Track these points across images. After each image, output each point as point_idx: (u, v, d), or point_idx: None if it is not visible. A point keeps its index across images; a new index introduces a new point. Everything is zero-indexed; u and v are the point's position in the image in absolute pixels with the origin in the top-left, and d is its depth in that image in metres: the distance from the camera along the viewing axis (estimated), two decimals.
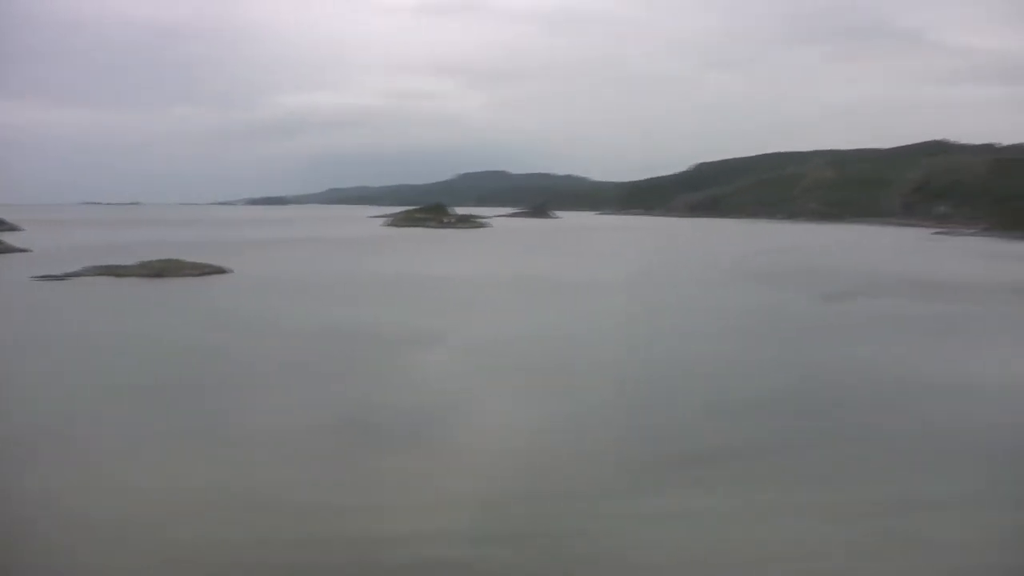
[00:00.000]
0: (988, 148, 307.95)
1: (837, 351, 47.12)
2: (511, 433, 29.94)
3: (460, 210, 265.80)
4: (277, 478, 24.85)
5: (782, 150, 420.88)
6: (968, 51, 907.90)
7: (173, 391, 35.76)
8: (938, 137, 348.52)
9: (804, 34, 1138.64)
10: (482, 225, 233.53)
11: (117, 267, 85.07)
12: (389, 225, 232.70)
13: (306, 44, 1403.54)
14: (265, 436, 29.24)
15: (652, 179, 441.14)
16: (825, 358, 44.98)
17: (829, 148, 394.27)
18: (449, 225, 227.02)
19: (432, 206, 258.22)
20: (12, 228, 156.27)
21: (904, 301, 71.86)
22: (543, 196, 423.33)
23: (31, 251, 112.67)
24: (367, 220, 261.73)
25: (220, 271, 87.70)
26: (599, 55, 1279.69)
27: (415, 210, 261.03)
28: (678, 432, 30.15)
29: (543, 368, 41.17)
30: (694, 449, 28.04)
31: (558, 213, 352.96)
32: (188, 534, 20.92)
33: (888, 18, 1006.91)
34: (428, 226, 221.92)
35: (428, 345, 46.76)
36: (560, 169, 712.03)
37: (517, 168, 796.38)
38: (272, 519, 21.77)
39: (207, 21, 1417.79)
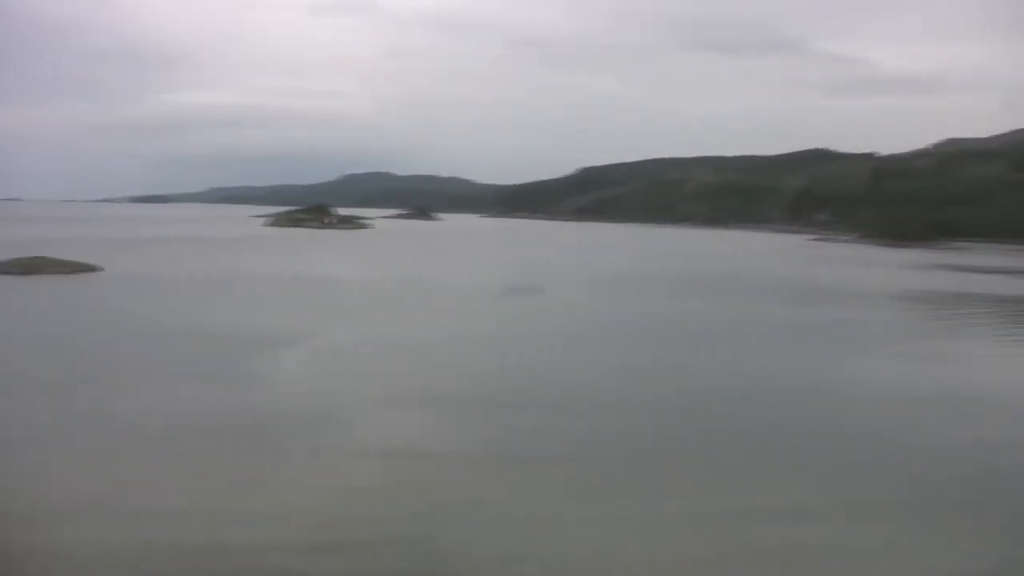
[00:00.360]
0: (868, 157, 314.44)
1: (696, 356, 47.00)
2: (370, 437, 28.97)
3: (343, 211, 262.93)
4: (116, 482, 23.57)
5: (668, 155, 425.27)
6: (851, 61, 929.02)
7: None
8: (821, 146, 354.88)
9: (692, 41, 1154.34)
10: (363, 226, 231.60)
11: None
12: (270, 225, 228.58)
13: (195, 42, 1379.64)
14: (104, 439, 27.76)
15: (537, 182, 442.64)
16: (685, 361, 44.84)
17: (715, 154, 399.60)
18: (330, 226, 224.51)
19: (314, 207, 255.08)
20: None
21: (771, 306, 73.55)
22: (427, 198, 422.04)
23: None
24: (248, 220, 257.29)
25: (90, 269, 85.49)
26: (487, 58, 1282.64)
27: (296, 210, 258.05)
28: (525, 434, 29.56)
29: (404, 372, 40.16)
30: (538, 451, 27.55)
31: (441, 215, 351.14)
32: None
33: (774, 27, 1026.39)
34: (309, 227, 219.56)
35: (290, 346, 45.37)
36: (446, 171, 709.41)
37: (402, 170, 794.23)
38: (105, 524, 20.63)
39: (95, 16, 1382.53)
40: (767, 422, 31.88)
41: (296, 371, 39.41)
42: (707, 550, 20.21)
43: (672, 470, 26.01)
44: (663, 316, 65.03)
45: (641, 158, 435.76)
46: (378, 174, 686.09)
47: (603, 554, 19.69)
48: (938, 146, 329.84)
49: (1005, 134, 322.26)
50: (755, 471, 26.09)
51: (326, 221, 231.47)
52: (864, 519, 22.24)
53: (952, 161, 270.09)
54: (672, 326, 59.90)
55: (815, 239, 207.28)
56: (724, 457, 27.45)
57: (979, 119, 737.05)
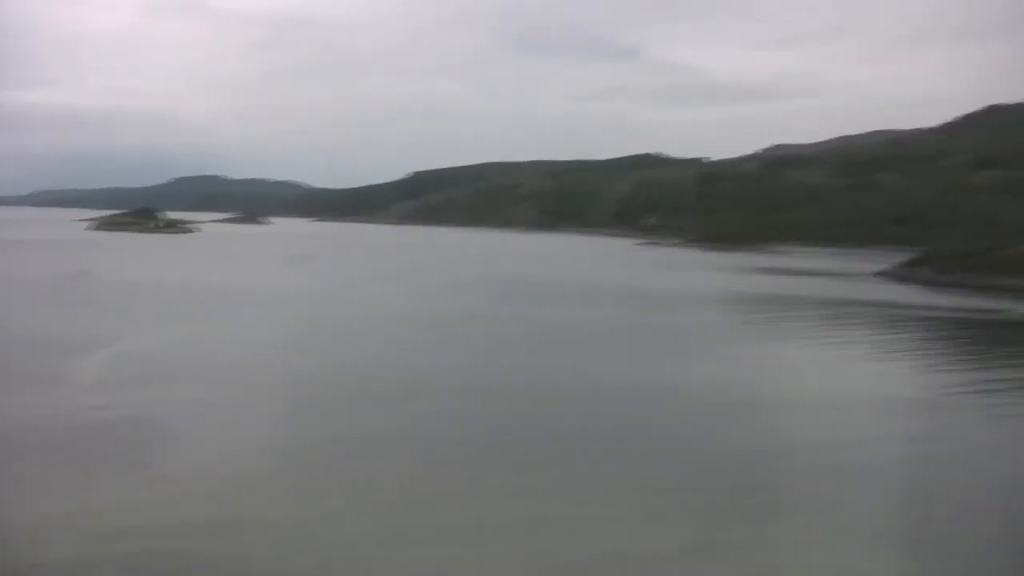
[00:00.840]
0: (696, 163, 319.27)
1: (503, 359, 45.87)
2: (163, 442, 27.30)
3: (173, 215, 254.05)
4: None
5: (500, 160, 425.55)
6: (686, 69, 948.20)
7: None
8: (651, 151, 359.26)
9: (528, 46, 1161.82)
10: (190, 231, 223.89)
11: None
12: (93, 229, 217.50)
13: (23, 40, 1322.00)
14: None
15: (369, 186, 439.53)
16: (489, 364, 44.19)
17: (548, 159, 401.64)
18: (156, 230, 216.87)
19: (139, 210, 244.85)
20: None
21: (588, 309, 72.00)
22: (260, 202, 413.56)
23: None
24: (71, 223, 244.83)
25: None
26: (321, 62, 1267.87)
27: (121, 214, 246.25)
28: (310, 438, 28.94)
29: (202, 376, 38.28)
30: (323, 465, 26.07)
31: (272, 219, 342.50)
32: None
33: (611, 34, 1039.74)
34: (133, 231, 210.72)
35: (88, 353, 42.30)
36: (279, 175, 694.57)
37: (236, 173, 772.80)
38: None
39: None
40: (571, 425, 31.31)
41: (95, 376, 37.03)
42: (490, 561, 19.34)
43: (464, 477, 25.15)
44: (474, 319, 63.48)
45: (474, 162, 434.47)
46: (211, 177, 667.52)
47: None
48: (767, 151, 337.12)
49: (830, 140, 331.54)
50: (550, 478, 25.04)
51: (151, 225, 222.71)
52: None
53: (778, 166, 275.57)
54: (481, 331, 58.18)
55: (643, 243, 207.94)
56: (523, 464, 26.37)
57: (806, 126, 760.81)
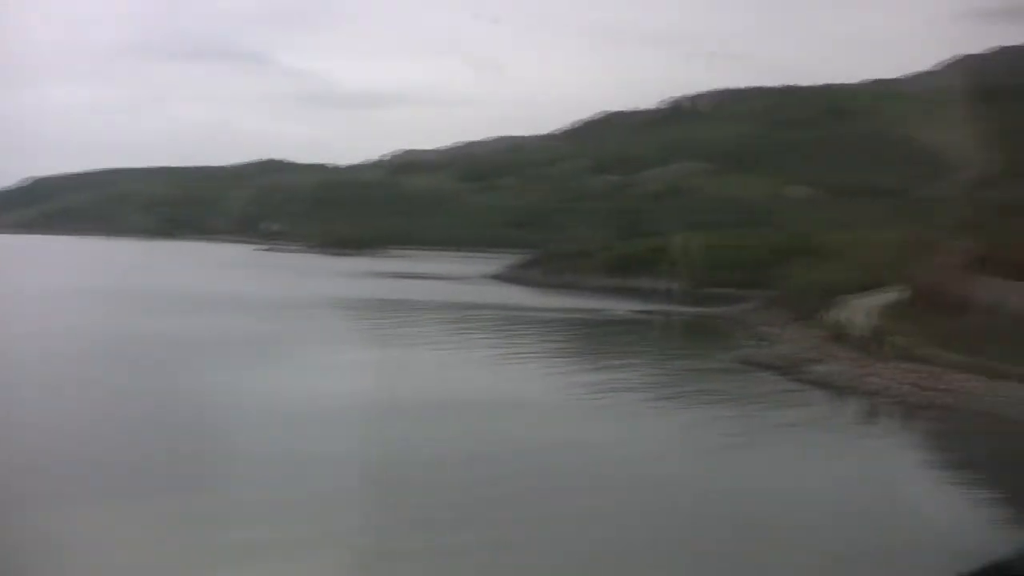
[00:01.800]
0: (321, 168, 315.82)
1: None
2: None
3: None
4: None
5: (124, 166, 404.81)
6: (313, 76, 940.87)
7: None
8: (276, 157, 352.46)
9: (153, 50, 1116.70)
10: None
11: None
12: None
13: None
14: None
15: None
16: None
17: (170, 165, 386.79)
18: None
19: None
20: None
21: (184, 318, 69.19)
22: None
23: None
24: None
25: None
26: None
27: None
28: None
29: None
30: None
31: None
32: None
33: (237, 39, 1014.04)
34: None
35: None
36: None
37: None
38: None
39: None
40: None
41: None
42: None
43: None
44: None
45: (97, 168, 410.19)
46: None
47: None
48: (394, 157, 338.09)
49: (455, 146, 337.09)
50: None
51: None
52: None
53: (403, 171, 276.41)
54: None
55: (264, 249, 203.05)
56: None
57: (432, 133, 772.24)
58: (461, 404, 37.56)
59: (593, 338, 70.44)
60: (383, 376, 44.24)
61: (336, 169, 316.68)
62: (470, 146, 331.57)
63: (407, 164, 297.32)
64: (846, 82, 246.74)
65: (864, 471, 32.20)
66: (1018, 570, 3.96)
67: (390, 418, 34.12)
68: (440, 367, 49.61)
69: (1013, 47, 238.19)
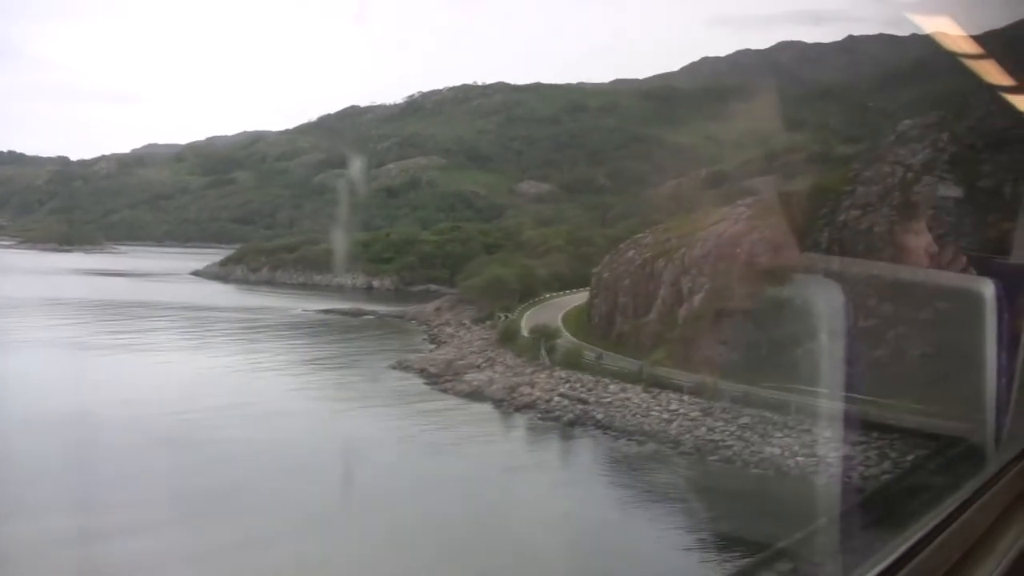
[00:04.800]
0: (54, 160, 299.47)
1: None
2: None
3: None
4: None
5: None
6: (52, 66, 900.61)
7: None
8: (16, 149, 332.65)
9: None
10: None
11: None
12: None
13: None
14: None
15: None
16: None
17: None
18: None
19: None
20: None
21: None
22: None
23: None
24: None
25: None
26: None
27: None
28: None
29: None
30: None
31: None
32: None
33: None
34: None
35: None
36: None
37: None
38: None
39: None
40: None
41: None
42: None
43: None
44: None
45: None
46: None
47: None
48: (133, 152, 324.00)
49: (196, 142, 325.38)
50: None
51: None
52: None
53: (136, 165, 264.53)
54: None
55: None
56: None
57: (174, 127, 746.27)
58: None
59: (257, 341, 65.38)
60: None
61: (68, 163, 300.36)
62: (213, 140, 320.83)
63: (145, 158, 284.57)
64: (593, 81, 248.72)
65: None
66: None
67: None
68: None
69: (750, 51, 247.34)
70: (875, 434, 35.22)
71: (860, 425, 34.75)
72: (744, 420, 37.46)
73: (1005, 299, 7.69)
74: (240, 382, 47.00)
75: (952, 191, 41.92)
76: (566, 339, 52.43)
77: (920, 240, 40.88)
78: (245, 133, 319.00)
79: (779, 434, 35.99)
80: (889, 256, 39.95)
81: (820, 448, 34.13)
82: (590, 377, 44.76)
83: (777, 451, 35.38)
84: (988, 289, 7.74)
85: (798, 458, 34.39)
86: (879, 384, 35.64)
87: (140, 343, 58.12)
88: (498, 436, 40.87)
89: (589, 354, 48.17)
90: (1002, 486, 5.76)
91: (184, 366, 50.82)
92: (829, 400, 35.80)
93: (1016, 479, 5.92)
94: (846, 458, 33.42)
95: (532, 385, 44.87)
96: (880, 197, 42.20)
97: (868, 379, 35.13)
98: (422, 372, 49.94)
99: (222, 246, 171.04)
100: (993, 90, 9.22)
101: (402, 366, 51.76)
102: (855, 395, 34.09)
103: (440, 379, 48.02)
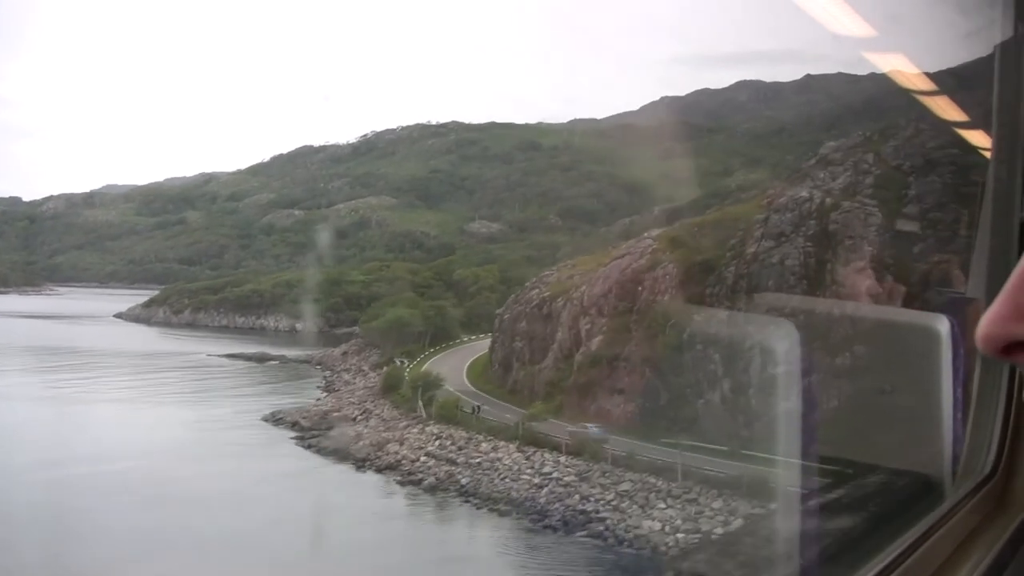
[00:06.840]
0: (12, 201, 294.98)
1: None
2: None
3: None
4: None
5: None
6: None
7: None
8: None
9: None
10: None
11: None
12: None
13: None
14: None
15: None
16: None
17: None
18: None
19: None
20: None
21: None
22: None
23: None
24: None
25: None
26: None
27: None
28: None
29: None
30: None
31: None
32: None
33: None
34: None
35: None
36: None
37: None
38: None
39: None
40: None
41: None
42: None
43: None
44: None
45: None
46: None
47: None
48: (89, 192, 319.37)
49: (150, 183, 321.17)
50: None
51: None
52: None
53: (85, 206, 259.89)
54: None
55: None
56: None
57: (135, 168, 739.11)
58: None
59: (150, 387, 60.18)
60: None
61: (27, 203, 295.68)
62: (171, 181, 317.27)
63: (95, 197, 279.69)
64: (551, 121, 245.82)
65: None
66: None
67: None
68: None
69: (709, 90, 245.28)
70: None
71: (763, 490, 29.86)
72: (624, 486, 32.05)
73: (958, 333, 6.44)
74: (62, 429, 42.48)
75: (877, 217, 37.28)
76: (462, 387, 47.30)
77: (844, 272, 36.41)
78: (201, 174, 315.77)
79: (662, 504, 30.63)
80: (802, 291, 35.11)
81: (705, 522, 28.69)
82: (463, 433, 39.65)
83: (657, 526, 30.01)
84: (941, 324, 6.54)
85: (678, 534, 28.97)
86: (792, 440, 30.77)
87: None
88: (330, 512, 35.39)
89: (469, 406, 43.04)
90: (956, 521, 5.38)
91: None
92: (731, 460, 31.17)
93: (970, 515, 5.55)
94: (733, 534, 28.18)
95: (401, 442, 39.76)
96: (795, 226, 37.41)
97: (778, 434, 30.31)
98: (294, 425, 44.71)
99: (166, 287, 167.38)
100: (924, 108, 9.23)
101: (274, 418, 46.37)
102: (760, 453, 29.22)
103: (308, 433, 42.80)
